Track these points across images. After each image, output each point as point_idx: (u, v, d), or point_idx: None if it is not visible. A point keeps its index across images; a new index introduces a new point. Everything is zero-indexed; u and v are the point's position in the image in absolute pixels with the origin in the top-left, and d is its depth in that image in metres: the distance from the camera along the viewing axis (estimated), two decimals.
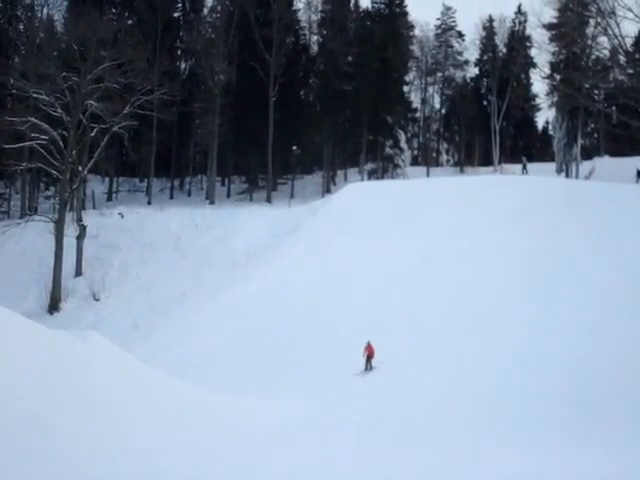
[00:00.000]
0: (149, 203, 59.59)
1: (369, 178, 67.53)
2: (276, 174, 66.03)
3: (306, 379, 29.12)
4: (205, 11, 71.93)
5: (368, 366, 30.49)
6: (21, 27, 65.42)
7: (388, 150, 69.21)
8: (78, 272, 46.66)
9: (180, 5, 71.13)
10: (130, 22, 64.00)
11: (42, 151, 47.13)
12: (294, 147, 61.80)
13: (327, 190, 63.75)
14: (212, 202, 59.71)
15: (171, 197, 65.08)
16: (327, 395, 26.57)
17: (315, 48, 72.98)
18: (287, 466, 14.76)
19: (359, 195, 48.37)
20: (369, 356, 30.53)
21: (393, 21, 71.82)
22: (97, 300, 44.57)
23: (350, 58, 68.32)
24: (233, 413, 22.19)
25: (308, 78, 70.86)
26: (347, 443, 18.75)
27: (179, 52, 71.35)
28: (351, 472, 14.17)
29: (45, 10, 65.23)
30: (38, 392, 18.64)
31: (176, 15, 70.58)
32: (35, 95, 47.72)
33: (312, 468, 14.47)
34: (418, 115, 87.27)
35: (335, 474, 13.95)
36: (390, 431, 20.68)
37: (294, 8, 68.84)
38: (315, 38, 74.24)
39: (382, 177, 67.23)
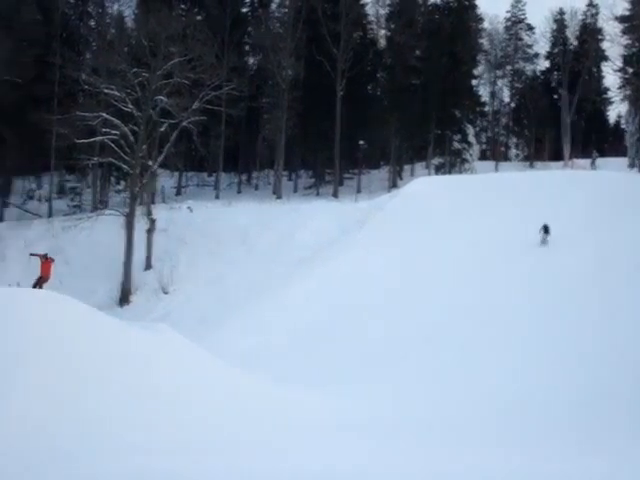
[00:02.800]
0: (217, 197, 60.14)
1: (436, 173, 67.13)
2: (343, 169, 66.06)
3: (368, 376, 29.03)
4: (273, 6, 72.26)
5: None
6: (92, 23, 66.55)
7: (456, 144, 68.70)
8: (148, 265, 47.33)
9: (248, 1, 71.61)
10: (199, 18, 64.64)
11: (113, 146, 47.88)
12: (361, 142, 61.71)
13: (393, 185, 63.57)
14: (279, 197, 59.97)
15: (239, 191, 65.58)
16: (384, 392, 26.47)
17: (383, 42, 72.75)
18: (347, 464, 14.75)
19: (426, 190, 48.12)
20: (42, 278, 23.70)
21: (462, 14, 71.32)
22: (166, 293, 45.14)
23: (418, 52, 67.96)
24: (299, 407, 22.24)
25: (376, 72, 70.71)
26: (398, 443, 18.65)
27: (247, 47, 71.84)
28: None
29: (115, 6, 66.39)
30: (108, 382, 18.97)
31: (244, 10, 71.10)
32: (106, 91, 48.47)
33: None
34: (487, 109, 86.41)
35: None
36: (446, 433, 20.49)
37: (362, 2, 68.76)
38: (383, 32, 74.03)
39: (449, 172, 66.77)
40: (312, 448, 16.77)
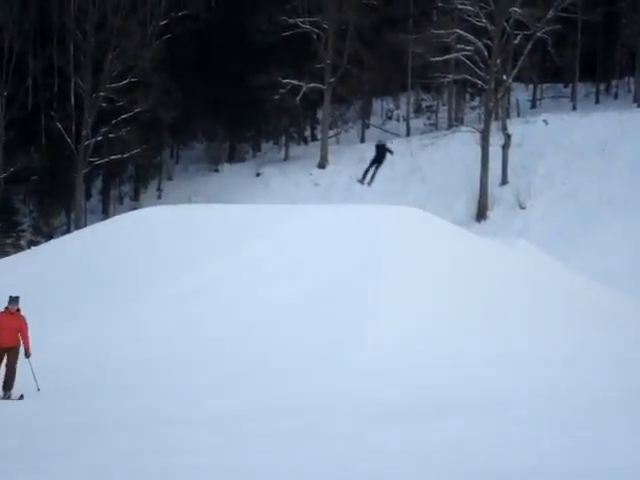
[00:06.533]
0: (574, 109, 58.23)
1: None
2: None
3: None
4: None
5: None
6: None
7: None
8: (504, 181, 47.27)
9: None
10: None
11: (467, 62, 48.01)
12: None
13: None
14: None
15: (597, 102, 62.86)
16: None
17: None
18: None
19: None
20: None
21: None
22: (523, 208, 44.95)
23: None
24: None
25: None
26: None
27: None
28: None
29: None
30: (471, 293, 19.56)
31: None
32: (460, 6, 48.46)
33: None
34: None
35: None
36: None
37: None
38: None
39: None
40: None
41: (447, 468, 8.39)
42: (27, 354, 14.62)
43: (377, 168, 26.57)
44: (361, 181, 27.63)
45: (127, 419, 11.70)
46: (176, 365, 15.09)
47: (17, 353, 14.65)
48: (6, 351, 14.66)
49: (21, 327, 14.75)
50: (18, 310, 14.89)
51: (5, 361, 14.64)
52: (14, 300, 14.95)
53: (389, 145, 27.66)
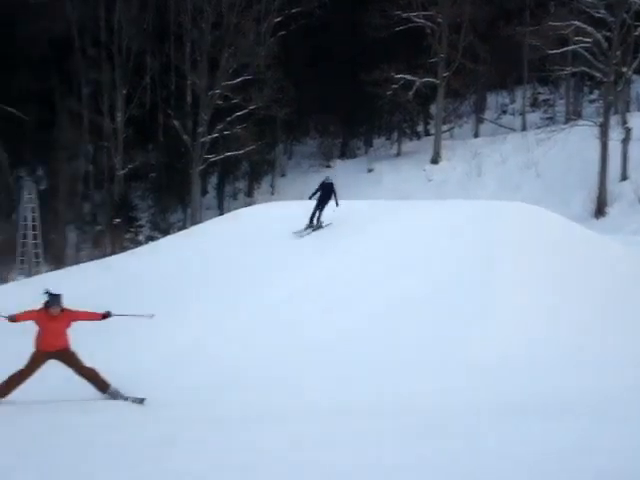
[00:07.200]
0: None
1: None
2: None
3: None
4: None
5: None
6: None
7: None
8: (623, 176, 45.89)
9: None
10: None
11: (586, 54, 46.79)
12: None
13: None
14: None
15: None
16: None
17: None
18: None
19: None
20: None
21: None
22: None
23: None
24: None
25: None
26: None
27: None
28: None
29: None
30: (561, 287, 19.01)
31: None
32: None
33: None
34: None
35: None
36: None
37: None
38: None
39: None
40: None
41: (569, 470, 8.21)
42: (106, 316, 12.50)
43: (322, 210, 23.00)
44: (309, 227, 22.85)
45: (244, 414, 11.82)
46: (287, 364, 15.08)
47: (72, 354, 12.24)
48: (53, 357, 12.15)
49: (76, 317, 12.37)
50: (62, 311, 12.21)
51: (74, 371, 12.25)
52: (55, 299, 12.19)
53: (336, 190, 23.26)
